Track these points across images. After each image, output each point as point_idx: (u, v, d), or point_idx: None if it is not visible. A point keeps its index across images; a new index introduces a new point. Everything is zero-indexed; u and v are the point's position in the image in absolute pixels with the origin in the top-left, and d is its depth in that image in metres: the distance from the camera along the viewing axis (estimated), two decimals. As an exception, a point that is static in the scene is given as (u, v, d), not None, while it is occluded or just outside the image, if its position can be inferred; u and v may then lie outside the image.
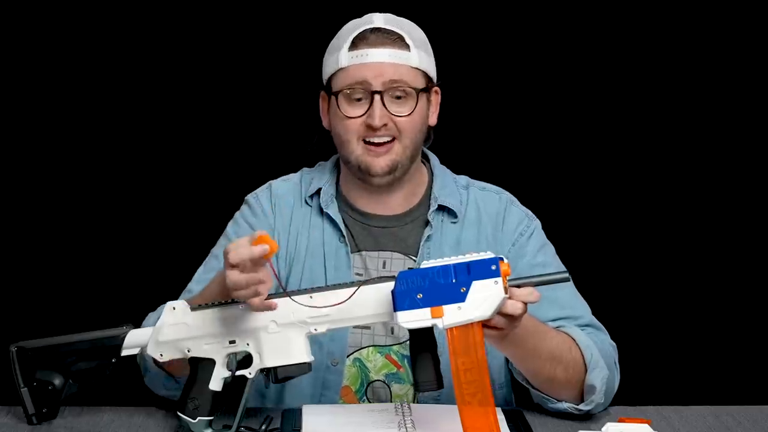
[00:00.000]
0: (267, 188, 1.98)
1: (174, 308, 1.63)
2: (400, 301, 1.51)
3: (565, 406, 1.78)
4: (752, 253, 2.88)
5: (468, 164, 2.06)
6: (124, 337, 1.66)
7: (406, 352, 1.89)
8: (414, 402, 1.89)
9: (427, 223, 1.92)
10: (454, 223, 1.93)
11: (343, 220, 1.93)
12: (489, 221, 1.94)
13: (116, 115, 2.80)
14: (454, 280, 1.50)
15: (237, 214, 1.98)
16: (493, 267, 1.50)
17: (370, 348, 1.91)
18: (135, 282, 2.79)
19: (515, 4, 2.79)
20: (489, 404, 1.51)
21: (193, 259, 1.99)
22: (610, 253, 2.83)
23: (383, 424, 1.66)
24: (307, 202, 1.95)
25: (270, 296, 1.58)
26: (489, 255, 1.52)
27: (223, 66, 2.79)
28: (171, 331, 1.62)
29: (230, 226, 1.97)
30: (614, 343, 1.89)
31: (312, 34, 2.04)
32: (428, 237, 1.92)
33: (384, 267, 1.91)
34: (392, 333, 1.90)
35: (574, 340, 1.78)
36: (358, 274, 1.90)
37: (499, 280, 1.50)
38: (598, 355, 1.78)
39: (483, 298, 1.50)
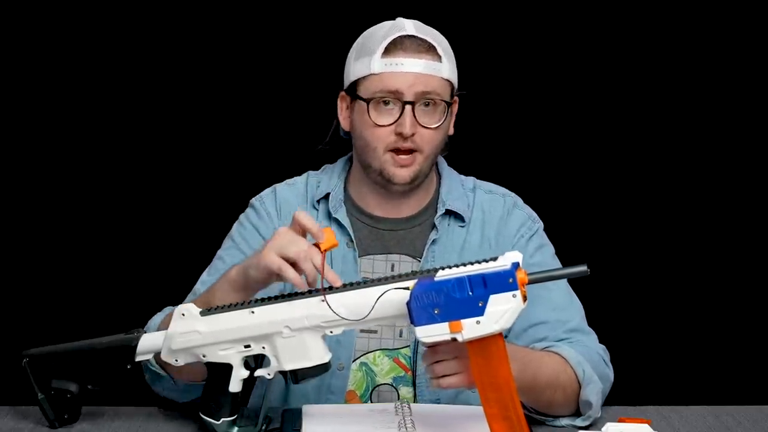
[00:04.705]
0: (272, 192, 1.97)
1: (183, 314, 1.60)
2: (417, 315, 1.48)
3: (563, 422, 1.78)
4: (752, 253, 2.88)
5: (471, 165, 2.07)
6: (137, 343, 1.64)
7: (414, 355, 1.89)
8: (414, 402, 1.88)
9: (433, 226, 1.92)
10: (462, 227, 1.93)
11: (350, 224, 1.92)
12: (493, 225, 1.94)
13: (122, 121, 2.80)
14: (470, 293, 1.46)
15: (242, 217, 1.96)
16: (510, 280, 1.45)
17: (377, 352, 1.91)
18: (139, 286, 2.79)
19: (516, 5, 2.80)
20: (520, 420, 1.49)
21: (197, 263, 1.98)
22: (609, 253, 2.83)
23: (383, 425, 1.66)
24: (314, 206, 1.95)
25: (276, 299, 1.58)
26: (506, 263, 1.47)
27: (227, 70, 2.79)
28: (184, 339, 1.60)
29: (235, 229, 1.95)
30: (603, 346, 1.88)
31: (324, 38, 2.03)
32: (434, 241, 1.91)
33: (392, 270, 1.91)
34: (401, 336, 1.90)
35: (565, 359, 1.78)
36: (364, 278, 1.89)
37: (517, 293, 1.45)
38: (590, 370, 1.78)
39: (502, 312, 1.46)
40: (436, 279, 1.48)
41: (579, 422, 1.77)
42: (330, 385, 1.88)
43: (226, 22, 2.78)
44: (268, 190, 1.98)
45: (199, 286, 1.88)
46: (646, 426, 1.57)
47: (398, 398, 1.90)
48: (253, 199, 1.97)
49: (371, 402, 1.91)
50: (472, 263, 1.49)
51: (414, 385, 1.89)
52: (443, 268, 1.50)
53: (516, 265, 1.47)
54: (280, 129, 2.76)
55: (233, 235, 1.94)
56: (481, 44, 2.78)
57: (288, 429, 1.66)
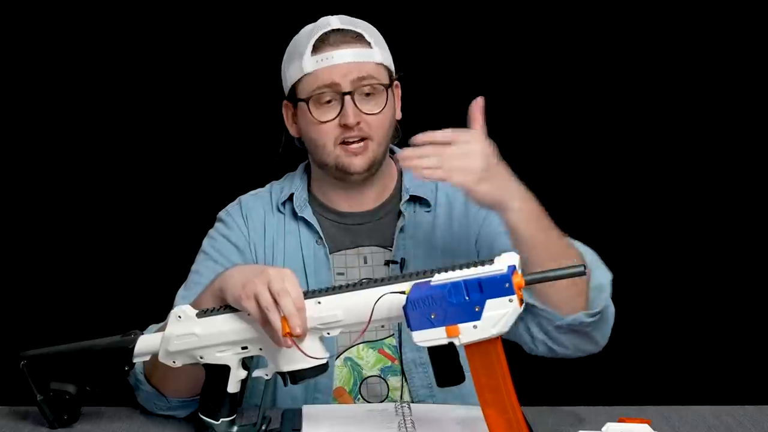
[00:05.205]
0: (237, 203, 2.00)
1: (180, 316, 1.60)
2: (413, 320, 1.48)
3: (571, 318, 1.75)
4: (752, 253, 2.88)
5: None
6: (134, 344, 1.64)
7: (399, 344, 1.90)
8: (410, 398, 1.89)
9: (399, 214, 1.94)
10: (428, 212, 1.95)
11: (318, 222, 1.94)
12: (458, 205, 1.95)
13: (112, 127, 2.82)
14: (467, 298, 1.46)
15: (212, 231, 1.98)
16: (507, 285, 1.45)
17: (361, 345, 1.91)
18: (136, 287, 2.79)
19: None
20: (519, 421, 1.48)
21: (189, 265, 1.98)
22: (608, 253, 2.81)
23: (383, 425, 1.66)
24: (279, 210, 1.96)
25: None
26: (502, 266, 1.47)
27: (194, 87, 2.81)
28: (181, 342, 1.60)
29: (207, 243, 1.96)
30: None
31: (272, 48, 2.04)
32: (402, 228, 1.93)
33: (365, 263, 1.92)
34: (383, 326, 1.90)
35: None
36: (339, 274, 1.91)
37: (514, 297, 1.45)
38: (595, 256, 1.79)
39: (499, 316, 1.46)
40: (432, 283, 1.48)
41: (592, 311, 1.75)
42: (316, 383, 1.88)
43: (187, 42, 2.80)
44: (233, 203, 2.00)
45: (179, 301, 1.86)
46: (646, 426, 1.57)
47: (387, 389, 1.91)
48: (220, 212, 2.00)
49: (361, 396, 1.91)
50: (468, 266, 1.49)
51: (403, 373, 1.90)
52: (439, 271, 1.50)
53: (512, 269, 1.47)
54: (246, 145, 2.76)
55: (205, 249, 1.95)
56: (485, 45, 2.78)
57: (287, 429, 1.66)
